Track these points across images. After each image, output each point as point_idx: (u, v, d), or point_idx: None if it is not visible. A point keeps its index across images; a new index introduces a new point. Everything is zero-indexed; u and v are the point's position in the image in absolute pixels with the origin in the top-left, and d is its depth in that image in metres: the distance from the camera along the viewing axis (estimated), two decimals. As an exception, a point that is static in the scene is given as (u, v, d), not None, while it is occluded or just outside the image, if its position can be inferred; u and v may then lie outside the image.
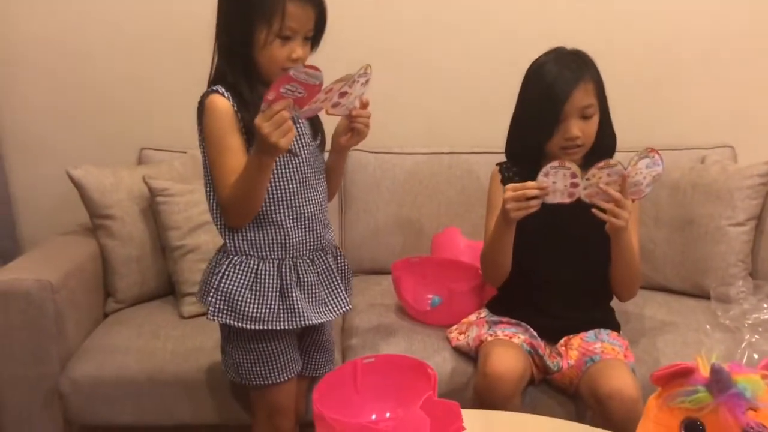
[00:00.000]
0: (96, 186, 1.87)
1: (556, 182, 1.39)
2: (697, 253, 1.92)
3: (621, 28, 2.23)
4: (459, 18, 2.24)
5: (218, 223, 1.37)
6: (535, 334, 1.57)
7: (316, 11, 1.31)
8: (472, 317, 1.71)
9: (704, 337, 1.71)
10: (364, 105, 1.37)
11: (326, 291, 1.41)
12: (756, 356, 1.60)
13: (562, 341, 1.59)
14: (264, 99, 1.18)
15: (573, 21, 2.21)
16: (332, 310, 1.41)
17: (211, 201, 1.36)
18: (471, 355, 1.63)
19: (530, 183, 1.41)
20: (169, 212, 1.87)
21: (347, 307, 1.43)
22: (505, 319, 1.62)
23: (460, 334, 1.68)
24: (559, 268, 1.58)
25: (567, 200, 1.42)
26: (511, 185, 1.43)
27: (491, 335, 1.56)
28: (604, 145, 1.57)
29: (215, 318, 1.35)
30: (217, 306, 1.34)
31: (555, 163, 1.39)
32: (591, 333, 1.58)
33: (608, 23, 2.23)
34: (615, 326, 1.65)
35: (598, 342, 1.55)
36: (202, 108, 1.32)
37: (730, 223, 1.89)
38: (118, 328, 1.79)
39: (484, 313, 1.70)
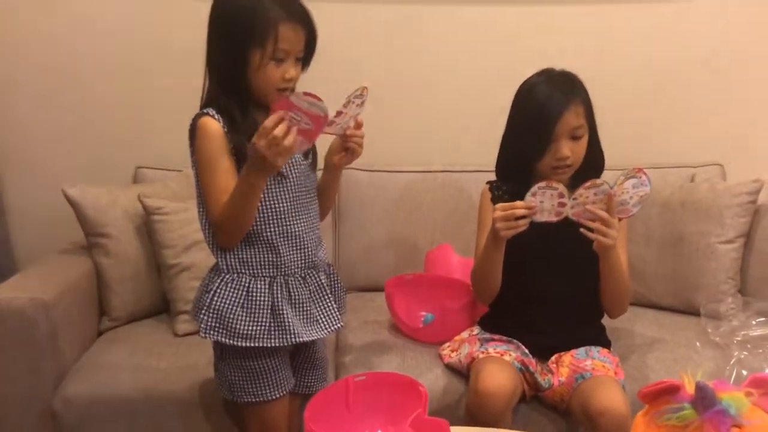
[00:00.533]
0: (91, 204, 1.88)
1: (544, 202, 1.42)
2: (687, 270, 1.94)
3: (612, 48, 2.27)
4: (452, 38, 2.27)
5: (210, 242, 1.38)
6: (526, 351, 1.58)
7: (307, 32, 1.33)
8: (464, 334, 1.72)
9: (694, 353, 1.73)
10: (359, 125, 1.39)
11: (318, 308, 1.42)
12: (745, 373, 1.61)
13: (553, 358, 1.61)
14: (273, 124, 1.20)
15: (565, 40, 2.24)
16: (324, 327, 1.41)
17: (203, 221, 1.38)
18: (463, 372, 1.64)
19: (518, 203, 1.43)
20: (164, 230, 1.88)
21: (339, 325, 1.44)
22: (496, 337, 1.63)
23: (452, 351, 1.69)
24: (550, 286, 1.60)
25: (554, 219, 1.44)
26: (500, 204, 1.46)
27: (483, 352, 1.58)
28: (592, 164, 1.59)
29: (207, 336, 1.36)
30: (209, 324, 1.36)
31: (542, 184, 1.41)
32: (582, 350, 1.60)
33: (600, 43, 2.27)
34: (605, 343, 1.66)
35: (589, 359, 1.57)
36: (193, 130, 1.34)
37: (719, 241, 1.91)
38: (113, 347, 1.79)
39: (476, 330, 1.71)
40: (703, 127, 2.32)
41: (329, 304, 1.43)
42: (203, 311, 1.36)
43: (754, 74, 2.29)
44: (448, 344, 1.73)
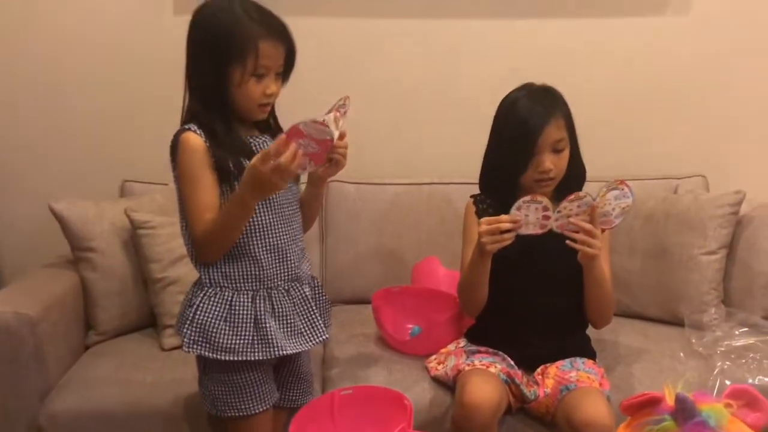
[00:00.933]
0: (78, 218, 1.88)
1: (529, 215, 1.44)
2: (671, 281, 1.96)
3: (597, 62, 2.30)
4: (438, 51, 2.29)
5: (192, 256, 1.39)
6: (512, 363, 1.59)
7: (286, 48, 1.34)
8: (451, 347, 1.73)
9: (678, 364, 1.74)
10: (342, 136, 1.39)
11: (302, 321, 1.41)
12: (728, 383, 1.62)
13: (538, 370, 1.62)
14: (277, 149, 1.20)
15: (550, 55, 2.27)
16: (308, 339, 1.41)
17: (186, 236, 1.38)
18: (449, 384, 1.64)
19: (504, 216, 1.45)
20: (151, 244, 1.88)
21: (324, 336, 1.44)
22: (482, 349, 1.64)
23: (439, 363, 1.70)
24: (535, 298, 1.61)
25: (539, 232, 1.46)
26: (485, 219, 1.47)
27: (469, 365, 1.59)
28: (574, 176, 1.62)
29: (190, 350, 1.36)
30: (192, 338, 1.36)
31: (527, 198, 1.43)
32: (567, 362, 1.61)
33: (585, 57, 2.29)
34: (591, 354, 1.68)
35: (574, 370, 1.58)
36: (175, 146, 1.34)
37: (702, 252, 1.93)
38: (99, 361, 1.79)
39: (462, 342, 1.72)
40: (686, 138, 2.34)
41: (313, 316, 1.43)
42: (186, 325, 1.36)
43: (736, 86, 2.32)
44: (434, 357, 1.74)
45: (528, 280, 1.60)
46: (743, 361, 1.71)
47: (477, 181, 1.72)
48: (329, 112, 1.31)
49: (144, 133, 2.28)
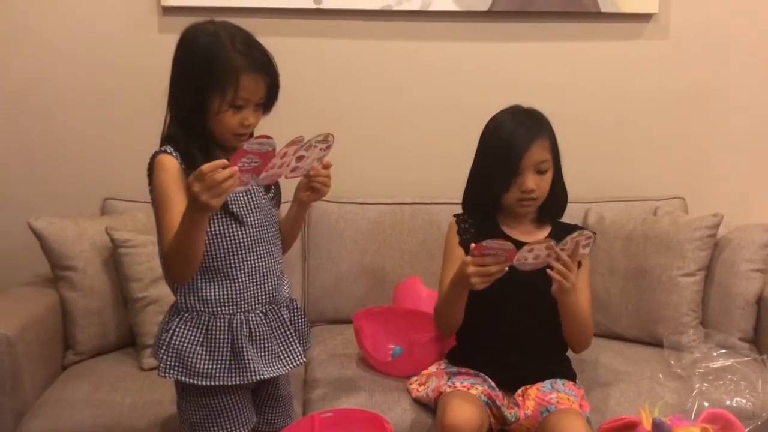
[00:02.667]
0: (58, 237, 1.87)
1: (528, 259, 1.45)
2: (650, 302, 1.97)
3: (577, 85, 2.33)
4: (421, 72, 2.31)
5: (168, 278, 1.38)
6: (493, 384, 1.60)
7: (268, 80, 1.34)
8: (432, 368, 1.73)
9: (657, 385, 1.75)
10: (326, 167, 1.40)
11: (279, 344, 1.40)
12: (706, 404, 1.64)
13: (519, 391, 1.62)
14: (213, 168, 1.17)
15: (531, 76, 2.30)
16: (285, 363, 1.40)
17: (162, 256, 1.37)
18: (430, 406, 1.64)
19: (492, 268, 1.43)
20: (131, 263, 1.87)
21: (301, 361, 1.42)
22: (464, 370, 1.64)
23: (420, 385, 1.70)
24: (515, 320, 1.62)
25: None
26: (470, 260, 1.44)
27: (450, 386, 1.59)
28: (556, 199, 1.64)
29: (166, 375, 1.35)
30: (169, 363, 1.34)
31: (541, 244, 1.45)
32: (547, 383, 1.62)
33: (565, 80, 2.32)
34: (571, 376, 1.68)
35: (554, 392, 1.58)
36: (151, 167, 1.34)
37: (681, 274, 1.95)
38: (76, 382, 1.77)
39: (443, 364, 1.72)
40: (665, 161, 2.38)
41: (291, 339, 1.42)
42: (162, 350, 1.35)
43: (715, 109, 2.36)
44: (415, 378, 1.74)
45: (508, 303, 1.61)
46: (721, 382, 1.73)
47: (460, 201, 1.73)
48: (308, 147, 1.30)
49: (126, 151, 2.26)
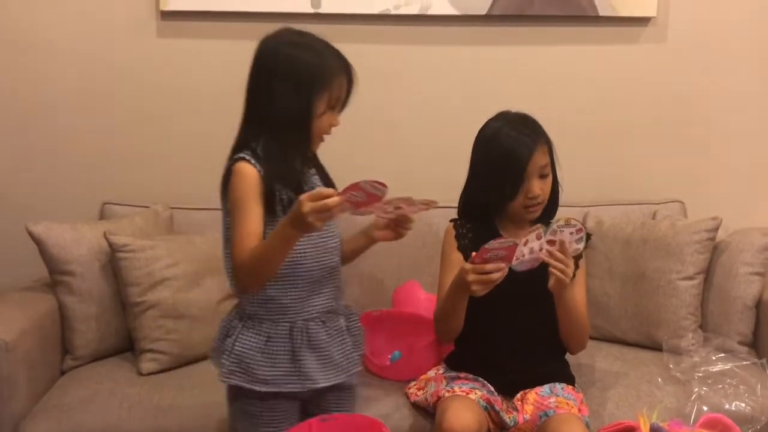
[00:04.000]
0: (56, 242, 1.87)
1: (524, 252, 1.45)
2: (649, 306, 1.97)
3: (576, 88, 2.32)
4: (419, 77, 2.31)
5: (233, 285, 1.40)
6: (492, 389, 1.59)
7: (349, 83, 1.42)
8: (431, 373, 1.73)
9: (656, 389, 1.75)
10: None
11: (338, 352, 1.43)
12: (705, 408, 1.64)
13: (518, 395, 1.62)
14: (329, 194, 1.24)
15: (529, 80, 2.30)
16: (343, 371, 1.43)
17: (228, 263, 1.39)
18: (429, 410, 1.64)
19: (490, 266, 1.43)
20: (130, 268, 1.87)
21: (357, 369, 1.47)
22: (462, 375, 1.64)
23: (419, 389, 1.70)
24: (513, 325, 1.62)
25: (534, 266, 1.47)
26: (471, 267, 1.44)
27: (449, 391, 1.58)
28: (553, 199, 1.66)
29: (227, 380, 1.39)
30: (230, 368, 1.38)
31: (534, 231, 1.46)
32: (546, 387, 1.61)
33: (564, 84, 2.32)
34: (570, 379, 1.68)
35: (553, 396, 1.58)
36: (229, 174, 1.37)
37: (680, 277, 1.95)
38: (75, 387, 1.77)
39: (442, 369, 1.72)
40: (664, 164, 2.37)
41: (347, 348, 1.45)
42: (225, 356, 1.38)
43: (714, 113, 2.36)
44: (414, 383, 1.74)
45: (506, 307, 1.60)
46: (720, 386, 1.73)
47: (457, 205, 1.73)
48: (411, 203, 1.37)
49: (125, 155, 2.27)
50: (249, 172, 1.34)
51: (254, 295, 1.39)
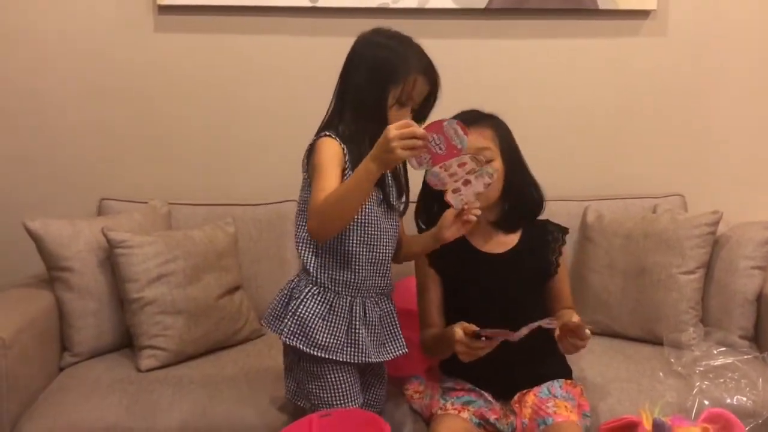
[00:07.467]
0: (54, 238, 1.86)
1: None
2: (650, 300, 1.96)
3: (576, 81, 2.32)
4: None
5: (304, 252, 1.49)
6: (488, 397, 1.58)
7: (430, 90, 1.49)
8: (428, 380, 1.71)
9: (658, 384, 1.74)
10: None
11: (386, 333, 1.54)
12: (707, 403, 1.63)
13: (515, 398, 1.58)
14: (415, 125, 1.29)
15: (529, 73, 2.30)
16: (390, 351, 1.52)
17: (301, 233, 1.49)
18: (425, 419, 1.64)
19: (482, 351, 1.44)
20: (128, 264, 1.86)
21: (403, 351, 1.54)
22: (458, 386, 1.62)
23: (416, 392, 1.68)
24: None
25: (515, 338, 1.43)
26: (464, 340, 1.44)
27: (442, 408, 1.58)
28: (527, 197, 1.64)
29: (289, 340, 1.46)
30: (292, 329, 1.46)
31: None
32: (544, 388, 1.58)
33: (563, 78, 2.31)
34: (566, 373, 1.66)
35: (552, 398, 1.55)
36: (312, 148, 1.47)
37: (680, 272, 1.94)
38: (73, 384, 1.76)
39: (438, 373, 1.70)
40: (664, 158, 2.37)
41: (396, 330, 1.55)
42: (288, 317, 1.47)
43: (714, 106, 2.35)
44: (411, 386, 1.71)
45: (497, 308, 1.59)
46: (721, 380, 1.72)
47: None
48: (478, 175, 1.38)
49: (122, 151, 2.27)
50: (334, 144, 1.44)
51: (325, 267, 1.48)
